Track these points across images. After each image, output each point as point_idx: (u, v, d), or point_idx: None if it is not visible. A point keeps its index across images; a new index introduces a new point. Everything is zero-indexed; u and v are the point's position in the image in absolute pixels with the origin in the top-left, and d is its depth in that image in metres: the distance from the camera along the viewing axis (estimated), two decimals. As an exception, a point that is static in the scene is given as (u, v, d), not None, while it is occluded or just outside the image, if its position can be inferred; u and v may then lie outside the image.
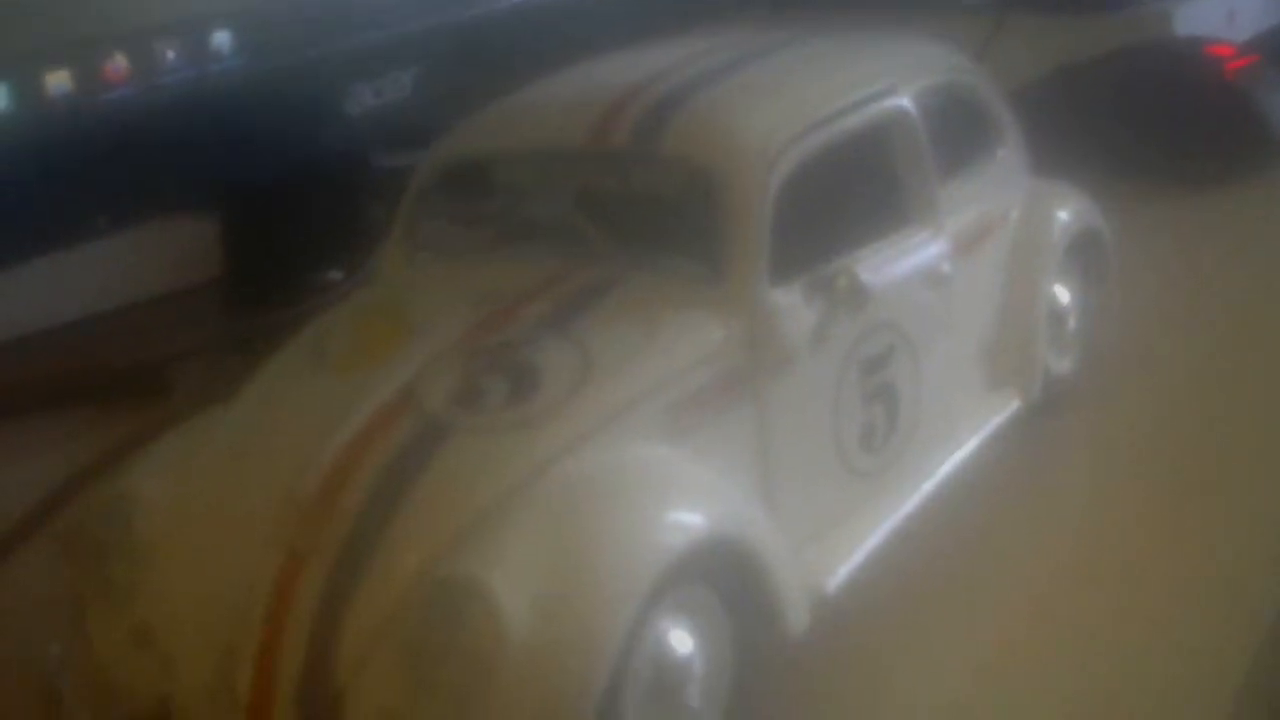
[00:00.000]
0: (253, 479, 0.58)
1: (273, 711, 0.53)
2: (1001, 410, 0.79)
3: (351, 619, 0.53)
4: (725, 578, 0.58)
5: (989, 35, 1.29)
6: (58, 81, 0.81)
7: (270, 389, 0.63)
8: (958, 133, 0.76)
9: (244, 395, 0.64)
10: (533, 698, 0.50)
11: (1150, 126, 1.21)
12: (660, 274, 0.64)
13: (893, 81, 0.72)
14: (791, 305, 0.64)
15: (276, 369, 0.64)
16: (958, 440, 0.75)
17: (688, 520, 0.56)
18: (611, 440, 0.57)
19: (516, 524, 0.53)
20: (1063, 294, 0.85)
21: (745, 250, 0.63)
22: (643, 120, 0.66)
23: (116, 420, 0.95)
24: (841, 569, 0.65)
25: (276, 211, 1.05)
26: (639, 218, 0.66)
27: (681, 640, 0.56)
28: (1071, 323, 0.86)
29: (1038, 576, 0.73)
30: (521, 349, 0.60)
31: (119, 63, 0.84)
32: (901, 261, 0.70)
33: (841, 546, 0.66)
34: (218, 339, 1.03)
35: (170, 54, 0.86)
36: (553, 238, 0.68)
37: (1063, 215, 0.84)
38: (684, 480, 0.59)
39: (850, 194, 0.70)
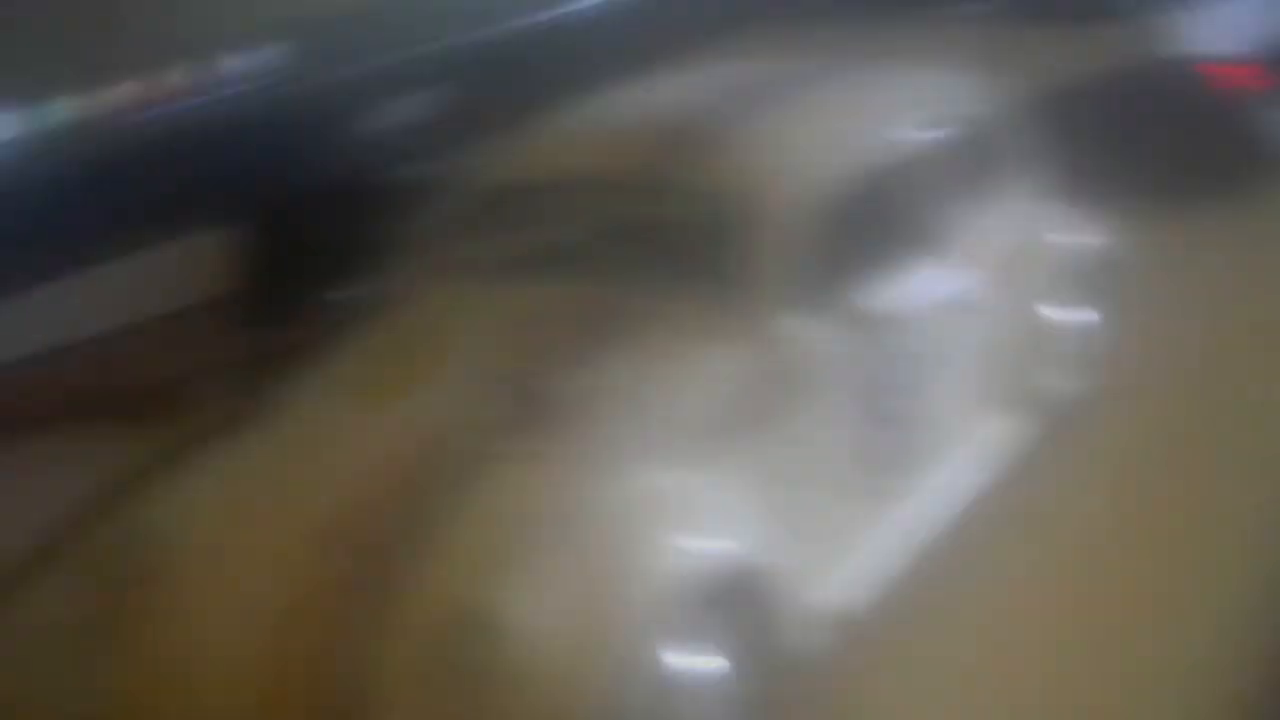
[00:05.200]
0: (283, 511, 0.61)
1: None
2: (1012, 432, 0.83)
3: (379, 649, 0.55)
4: (740, 600, 0.60)
5: (986, 46, 1.30)
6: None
7: (301, 417, 0.66)
8: (981, 163, 0.80)
9: (275, 422, 0.66)
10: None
11: (1145, 146, 1.23)
12: (688, 302, 0.66)
13: (924, 115, 0.75)
14: (817, 335, 0.66)
15: (308, 395, 0.67)
16: (968, 463, 0.78)
17: (705, 547, 0.60)
18: (633, 469, 0.60)
19: (540, 553, 0.56)
20: (1072, 315, 0.89)
21: (773, 280, 0.65)
22: (681, 152, 0.69)
23: (134, 435, 0.96)
24: (855, 589, 0.68)
25: (293, 230, 1.06)
26: (672, 247, 0.69)
27: (698, 661, 0.58)
28: (1078, 343, 0.90)
29: (1042, 596, 0.76)
30: (547, 379, 0.63)
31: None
32: (927, 291, 0.73)
33: (855, 567, 0.69)
34: (231, 358, 1.04)
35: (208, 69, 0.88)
36: (585, 264, 0.70)
37: (1074, 240, 0.88)
38: (702, 507, 0.61)
39: (879, 225, 0.72)
